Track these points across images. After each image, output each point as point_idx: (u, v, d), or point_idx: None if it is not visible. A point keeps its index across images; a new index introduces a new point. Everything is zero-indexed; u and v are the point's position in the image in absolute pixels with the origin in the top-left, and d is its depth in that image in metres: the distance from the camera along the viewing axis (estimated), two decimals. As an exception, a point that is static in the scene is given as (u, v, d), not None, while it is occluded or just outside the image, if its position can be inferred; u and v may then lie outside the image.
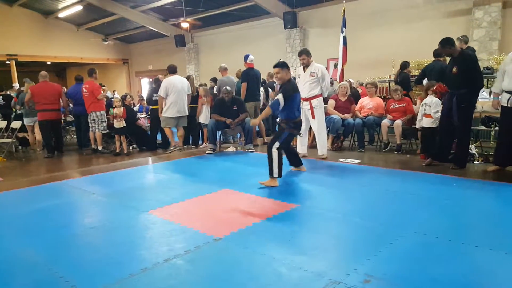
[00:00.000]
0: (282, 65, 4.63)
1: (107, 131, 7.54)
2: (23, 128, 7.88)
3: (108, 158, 6.91)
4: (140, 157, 6.98)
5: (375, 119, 6.49)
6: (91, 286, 2.27)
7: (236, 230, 3.04)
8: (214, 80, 8.99)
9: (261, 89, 8.20)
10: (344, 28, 7.88)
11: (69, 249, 2.86)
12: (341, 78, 7.87)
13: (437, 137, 5.15)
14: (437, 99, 5.35)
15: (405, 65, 7.71)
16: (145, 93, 11.37)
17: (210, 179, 4.96)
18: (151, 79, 10.09)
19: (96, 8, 14.21)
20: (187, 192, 4.27)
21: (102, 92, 7.54)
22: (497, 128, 5.33)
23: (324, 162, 5.75)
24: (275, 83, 8.74)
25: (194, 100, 7.47)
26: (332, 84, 7.37)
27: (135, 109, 9.95)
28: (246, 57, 7.52)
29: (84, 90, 7.24)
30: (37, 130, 7.59)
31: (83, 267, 2.53)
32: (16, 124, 7.67)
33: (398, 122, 6.14)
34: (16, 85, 12.32)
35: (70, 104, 8.44)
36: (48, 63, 19.04)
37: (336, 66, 9.01)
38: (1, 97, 10.48)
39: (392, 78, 8.21)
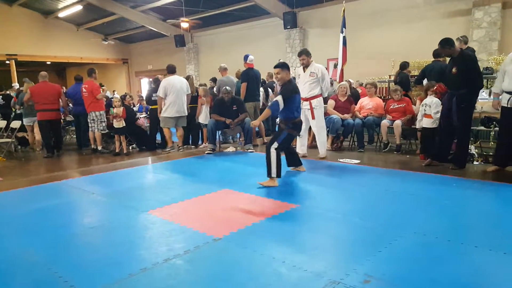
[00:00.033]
0: (282, 66, 4.64)
1: (107, 131, 7.53)
2: (22, 128, 7.88)
3: (107, 158, 6.90)
4: (139, 157, 6.97)
5: (374, 119, 6.49)
6: (90, 286, 2.27)
7: (236, 230, 3.04)
8: (214, 80, 9.00)
9: (261, 89, 8.21)
10: (344, 28, 7.89)
11: (69, 249, 2.86)
12: (341, 78, 7.88)
13: (437, 137, 5.16)
14: (437, 99, 5.35)
15: (404, 65, 7.72)
16: (144, 93, 11.37)
17: (209, 179, 4.96)
18: (150, 79, 10.09)
19: (96, 8, 14.22)
20: (187, 192, 4.27)
21: (101, 92, 7.54)
22: (496, 128, 5.33)
23: (323, 162, 5.75)
24: (275, 83, 8.75)
25: (193, 100, 7.46)
26: (331, 84, 7.38)
27: (135, 109, 9.95)
28: (245, 57, 7.52)
29: (84, 90, 7.24)
30: (36, 130, 7.59)
31: (82, 267, 2.53)
32: (15, 124, 7.67)
33: (398, 122, 6.14)
34: (16, 85, 12.32)
35: (70, 104, 8.44)
36: (48, 63, 19.04)
37: (335, 66, 9.02)
38: (1, 96, 10.48)
39: (392, 78, 8.21)
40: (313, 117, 5.79)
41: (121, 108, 7.07)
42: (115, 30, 17.47)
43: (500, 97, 4.67)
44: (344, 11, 7.91)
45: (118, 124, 7.03)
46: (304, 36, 12.34)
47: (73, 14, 15.37)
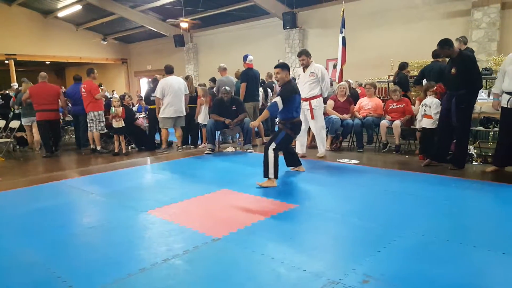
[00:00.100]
0: (282, 66, 4.67)
1: (105, 131, 7.53)
2: (21, 128, 7.87)
3: (106, 158, 6.90)
4: (138, 157, 6.97)
5: (374, 120, 6.50)
6: (89, 286, 2.27)
7: (235, 230, 3.04)
8: (213, 80, 8.99)
9: (260, 89, 8.21)
10: (343, 29, 7.89)
11: (67, 249, 2.86)
12: (340, 78, 7.88)
13: (436, 138, 5.16)
14: (437, 100, 5.35)
15: (403, 65, 7.72)
16: (143, 93, 11.36)
17: (209, 179, 4.96)
18: (149, 79, 10.09)
19: (96, 7, 14.21)
20: (186, 192, 4.27)
21: (100, 91, 7.53)
22: (495, 129, 5.34)
23: (323, 162, 5.75)
24: (274, 83, 8.76)
25: (193, 100, 7.46)
26: (331, 84, 7.38)
27: (134, 109, 9.95)
28: (245, 57, 7.52)
29: (82, 90, 7.24)
30: (35, 129, 7.59)
31: (81, 267, 2.53)
32: (14, 124, 7.66)
33: (397, 122, 6.14)
34: (15, 85, 12.31)
35: (69, 104, 8.43)
36: (47, 62, 19.02)
37: (335, 66, 9.02)
38: (0, 96, 10.46)
39: (391, 78, 8.22)
40: (312, 117, 5.79)
41: (120, 108, 7.06)
42: (114, 30, 17.46)
43: (500, 97, 4.68)
44: (343, 11, 7.91)
45: (117, 124, 7.02)
46: (304, 36, 12.35)
47: (73, 14, 15.36)
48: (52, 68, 23.05)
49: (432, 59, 6.62)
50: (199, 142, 7.94)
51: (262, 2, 11.68)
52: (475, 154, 5.36)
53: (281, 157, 4.66)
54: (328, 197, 4.06)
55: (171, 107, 6.81)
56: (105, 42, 18.17)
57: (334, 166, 5.48)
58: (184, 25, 13.58)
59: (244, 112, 6.96)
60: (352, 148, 6.81)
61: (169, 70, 7.05)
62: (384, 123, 6.33)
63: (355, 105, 6.95)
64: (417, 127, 5.83)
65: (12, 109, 8.72)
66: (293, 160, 5.11)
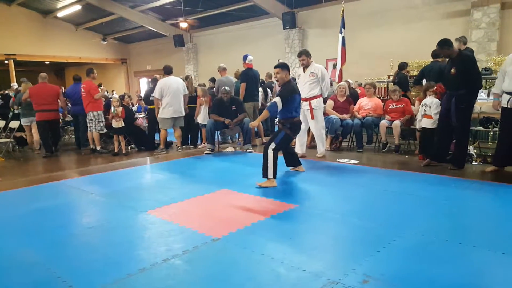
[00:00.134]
0: (282, 66, 4.67)
1: (105, 131, 7.53)
2: (20, 128, 7.87)
3: (106, 158, 6.90)
4: (138, 157, 6.97)
5: (373, 120, 6.50)
6: (88, 286, 2.27)
7: (235, 230, 3.04)
8: (213, 80, 8.99)
9: (260, 89, 8.21)
10: (343, 29, 7.90)
11: (67, 249, 2.86)
12: (340, 78, 7.88)
13: (435, 138, 5.16)
14: (437, 100, 5.35)
15: (403, 65, 7.72)
16: (143, 93, 11.36)
17: (208, 179, 4.96)
18: (149, 79, 10.09)
19: (95, 7, 14.20)
20: (186, 192, 4.27)
21: (99, 91, 7.53)
22: (495, 129, 5.34)
23: (322, 162, 5.75)
24: (274, 83, 8.76)
25: (192, 100, 7.46)
26: (331, 84, 7.38)
27: (134, 109, 9.95)
28: (245, 57, 7.52)
29: (82, 90, 7.24)
30: (34, 129, 7.59)
31: (80, 267, 2.53)
32: (14, 124, 7.66)
33: (397, 122, 6.15)
34: (15, 85, 12.31)
35: (69, 104, 8.43)
36: (47, 62, 19.02)
37: (334, 66, 9.03)
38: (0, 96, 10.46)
39: (391, 78, 8.22)
40: (312, 118, 5.79)
41: (120, 108, 7.06)
42: (114, 30, 17.45)
43: (500, 97, 4.68)
44: (343, 11, 7.91)
45: (117, 124, 7.02)
46: (303, 36, 12.35)
47: (72, 13, 15.36)
48: (52, 68, 23.04)
49: (431, 59, 6.62)
50: (198, 142, 7.94)
51: (261, 2, 11.68)
52: (474, 154, 5.36)
53: (280, 157, 4.66)
54: (328, 197, 4.06)
55: (170, 107, 6.81)
56: (105, 42, 18.16)
57: (334, 166, 5.48)
58: (183, 25, 13.59)
59: (244, 112, 6.96)
60: (352, 148, 6.81)
61: (167, 71, 7.04)
62: (383, 123, 6.33)
63: (354, 105, 6.95)
64: (416, 127, 5.83)
65: (12, 109, 8.72)
66: (292, 160, 5.11)
